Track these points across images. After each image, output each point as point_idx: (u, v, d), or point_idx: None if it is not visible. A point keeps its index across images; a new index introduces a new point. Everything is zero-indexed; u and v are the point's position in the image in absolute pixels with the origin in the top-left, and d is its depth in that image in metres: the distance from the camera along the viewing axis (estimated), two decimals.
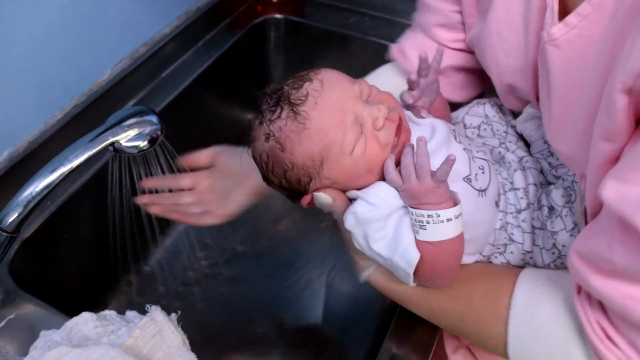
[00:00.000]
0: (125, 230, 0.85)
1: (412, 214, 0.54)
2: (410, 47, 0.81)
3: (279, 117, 0.58)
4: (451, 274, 0.58)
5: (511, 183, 0.63)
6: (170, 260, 1.02)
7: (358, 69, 1.15)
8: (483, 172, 0.61)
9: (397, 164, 0.57)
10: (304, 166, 0.58)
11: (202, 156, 0.83)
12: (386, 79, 0.84)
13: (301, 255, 1.03)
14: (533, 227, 0.63)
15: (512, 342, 0.55)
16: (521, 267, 0.64)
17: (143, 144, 0.68)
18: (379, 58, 1.11)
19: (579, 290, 0.52)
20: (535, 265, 0.63)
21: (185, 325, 0.59)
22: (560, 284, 0.55)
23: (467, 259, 0.62)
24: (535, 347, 0.54)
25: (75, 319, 0.55)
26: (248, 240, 1.04)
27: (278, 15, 1.17)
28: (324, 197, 0.59)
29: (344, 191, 0.60)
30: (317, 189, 0.60)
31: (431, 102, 0.67)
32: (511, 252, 0.63)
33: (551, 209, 0.62)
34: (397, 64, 0.84)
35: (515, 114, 0.74)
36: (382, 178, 0.58)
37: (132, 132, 0.68)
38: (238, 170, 0.79)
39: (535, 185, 0.64)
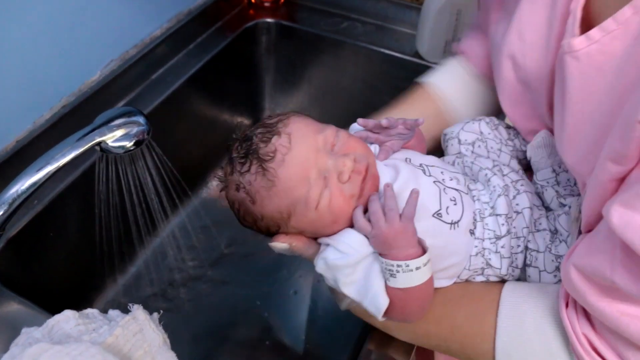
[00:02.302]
0: (111, 230, 0.85)
1: (383, 263, 0.55)
2: (473, 46, 0.80)
3: (248, 171, 0.59)
4: (422, 311, 0.59)
5: (492, 208, 0.63)
6: (156, 261, 1.01)
7: (348, 74, 1.16)
8: (455, 204, 0.61)
9: (365, 210, 0.58)
10: (272, 218, 0.60)
11: None
12: (453, 75, 0.83)
13: (287, 259, 1.03)
14: (528, 248, 0.63)
15: (500, 359, 0.56)
16: (500, 282, 0.64)
17: (129, 144, 0.69)
18: (370, 64, 1.12)
19: (567, 304, 0.52)
20: None
21: (170, 325, 0.59)
22: (543, 297, 0.55)
23: (444, 283, 0.63)
24: None
25: (57, 317, 0.54)
26: (234, 242, 1.04)
27: (270, 20, 1.17)
28: (279, 246, 0.61)
29: (314, 237, 0.62)
30: (286, 234, 0.61)
31: (402, 145, 0.67)
32: (489, 275, 0.63)
33: (554, 232, 0.62)
34: (461, 59, 0.83)
35: (511, 135, 0.73)
36: (352, 224, 0.59)
37: (119, 133, 0.68)
38: None
39: (530, 208, 0.63)
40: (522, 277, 0.64)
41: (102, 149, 0.68)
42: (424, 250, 0.55)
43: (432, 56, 1.06)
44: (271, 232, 0.62)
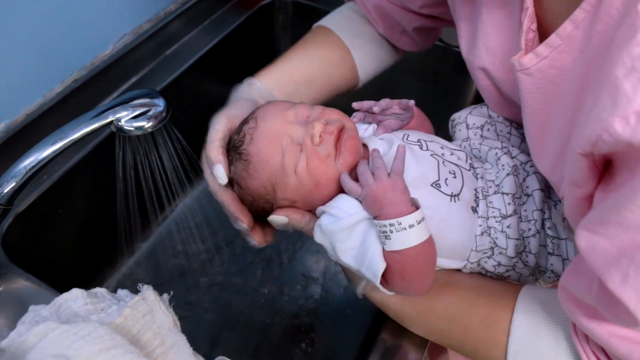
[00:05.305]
0: (125, 209, 0.84)
1: (377, 226, 0.55)
2: (372, 4, 0.82)
3: (232, 162, 0.64)
4: (425, 280, 0.57)
5: (497, 186, 0.62)
6: (169, 241, 1.01)
7: None
8: (454, 177, 0.61)
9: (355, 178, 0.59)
10: (260, 195, 0.63)
11: None
12: (346, 17, 0.86)
13: (299, 246, 1.02)
14: (548, 235, 0.61)
15: None
16: (516, 280, 0.63)
17: (146, 124, 0.68)
18: None
19: None
20: (553, 273, 0.62)
21: (177, 307, 0.58)
22: (558, 309, 0.54)
23: (452, 264, 0.62)
24: None
25: (65, 295, 0.53)
26: None
27: None
28: (276, 219, 0.63)
29: (310, 210, 0.63)
30: (281, 208, 0.63)
31: (401, 125, 0.68)
32: (500, 253, 0.61)
33: None
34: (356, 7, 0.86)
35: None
36: (339, 189, 0.60)
37: (135, 113, 0.68)
38: None
39: (541, 190, 0.62)
40: (542, 266, 0.62)
41: (117, 129, 0.67)
42: (417, 208, 0.54)
43: (451, 38, 1.03)
44: (268, 214, 0.64)
